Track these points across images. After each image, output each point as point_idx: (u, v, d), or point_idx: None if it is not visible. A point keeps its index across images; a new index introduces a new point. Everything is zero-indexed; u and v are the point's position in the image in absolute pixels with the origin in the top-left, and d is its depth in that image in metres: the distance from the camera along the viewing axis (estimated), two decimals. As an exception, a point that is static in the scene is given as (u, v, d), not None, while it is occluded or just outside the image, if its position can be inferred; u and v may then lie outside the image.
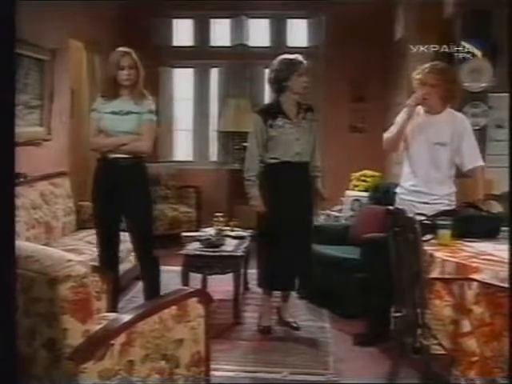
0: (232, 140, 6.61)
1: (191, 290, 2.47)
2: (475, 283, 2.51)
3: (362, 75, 6.52)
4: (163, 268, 3.75)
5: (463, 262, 2.59)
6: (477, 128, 4.29)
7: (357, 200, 4.92)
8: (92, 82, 5.70)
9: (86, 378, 1.87)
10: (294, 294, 4.08)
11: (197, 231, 4.60)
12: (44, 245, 3.25)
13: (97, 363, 1.89)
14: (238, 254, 3.98)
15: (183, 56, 6.88)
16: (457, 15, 4.68)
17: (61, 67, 5.04)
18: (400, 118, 3.42)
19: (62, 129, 5.23)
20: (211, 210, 4.71)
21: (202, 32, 6.90)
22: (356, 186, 5.15)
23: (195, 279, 4.03)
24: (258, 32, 6.86)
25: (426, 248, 2.73)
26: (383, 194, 4.31)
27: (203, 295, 2.41)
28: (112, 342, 1.94)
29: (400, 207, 3.16)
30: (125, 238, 3.71)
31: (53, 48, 4.80)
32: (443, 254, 2.70)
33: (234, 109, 6.48)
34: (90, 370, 1.87)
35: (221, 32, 6.92)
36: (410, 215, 2.85)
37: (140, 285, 3.82)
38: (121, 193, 3.47)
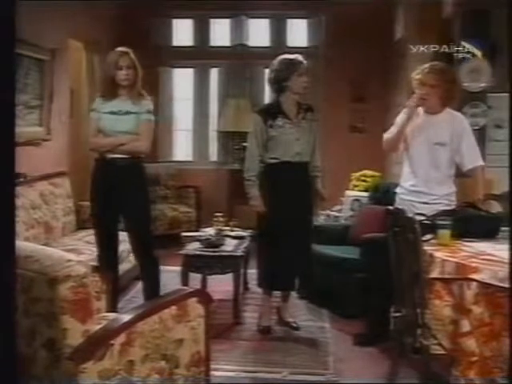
0: (232, 140, 6.61)
1: (191, 290, 2.47)
2: (474, 283, 2.51)
3: (362, 75, 6.53)
4: (163, 268, 3.75)
5: (463, 261, 2.59)
6: (476, 128, 4.29)
7: (357, 200, 4.92)
8: (91, 82, 5.71)
9: (86, 378, 1.86)
10: (293, 293, 4.07)
11: (196, 231, 4.60)
12: (43, 245, 3.25)
13: (97, 363, 1.89)
14: (238, 253, 3.98)
15: (183, 56, 6.89)
16: (456, 15, 4.68)
17: (60, 67, 5.04)
18: (400, 118, 3.43)
19: (62, 129, 5.23)
20: (211, 210, 4.71)
21: (202, 32, 6.91)
22: (356, 185, 5.15)
23: (195, 279, 4.03)
24: (258, 32, 6.86)
25: (425, 248, 2.73)
26: (383, 194, 4.32)
27: (203, 295, 2.41)
28: (112, 342, 1.94)
29: (400, 207, 3.17)
30: (124, 238, 3.71)
31: (52, 48, 4.81)
32: (443, 253, 2.70)
33: (234, 109, 6.48)
34: (90, 370, 1.87)
35: (221, 32, 6.92)
36: (410, 215, 2.85)
37: (140, 285, 3.82)
38: (119, 193, 3.47)
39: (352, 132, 6.70)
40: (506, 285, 2.31)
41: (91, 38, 5.64)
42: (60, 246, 4.04)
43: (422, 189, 3.36)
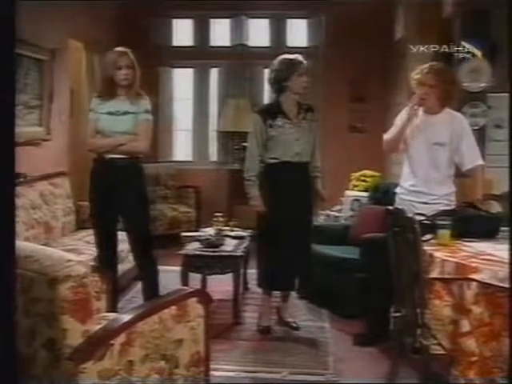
0: (232, 140, 6.61)
1: (191, 290, 2.47)
2: (474, 283, 2.51)
3: (362, 75, 6.52)
4: (163, 268, 3.75)
5: (462, 261, 2.60)
6: (476, 128, 4.30)
7: (356, 200, 4.92)
8: (91, 82, 5.70)
9: (86, 378, 1.86)
10: (293, 294, 4.07)
11: (196, 231, 4.60)
12: (43, 245, 3.24)
13: (96, 363, 1.89)
14: (238, 253, 3.98)
15: (183, 56, 6.88)
16: (456, 15, 4.68)
17: (60, 67, 5.04)
18: (400, 119, 3.43)
19: (62, 129, 5.23)
20: (211, 210, 4.71)
21: (202, 32, 6.90)
22: (356, 186, 5.15)
23: (195, 279, 4.03)
24: (258, 32, 6.86)
25: (425, 248, 2.73)
26: (383, 194, 4.31)
27: (203, 295, 2.41)
28: (112, 342, 1.94)
29: (399, 207, 3.17)
30: (124, 237, 3.70)
31: (52, 48, 4.80)
32: (443, 253, 2.70)
33: (234, 109, 6.48)
34: (90, 370, 1.87)
35: (221, 32, 6.92)
36: (410, 215, 2.85)
37: (140, 285, 3.82)
38: (118, 193, 3.47)
39: (352, 132, 6.70)
40: (506, 285, 2.31)
41: (91, 37, 5.64)
42: (60, 246, 4.04)
43: (421, 189, 3.36)
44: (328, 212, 5.05)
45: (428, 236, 2.84)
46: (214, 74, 6.95)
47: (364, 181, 5.12)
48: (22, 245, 2.12)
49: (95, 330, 1.97)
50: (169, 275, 3.93)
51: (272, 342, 3.64)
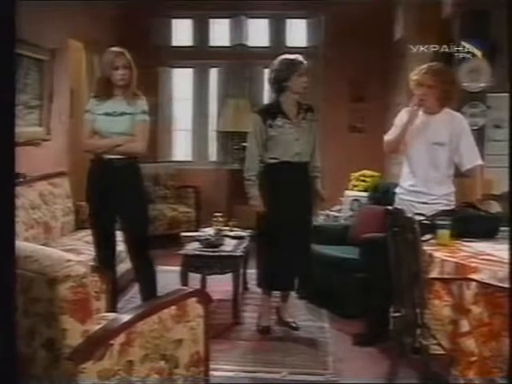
0: (231, 140, 6.61)
1: (190, 290, 2.48)
2: (474, 283, 2.51)
3: (362, 75, 6.53)
4: (162, 268, 3.76)
5: (462, 261, 2.60)
6: (475, 128, 4.30)
7: (356, 200, 4.92)
8: (91, 82, 5.68)
9: (86, 378, 1.87)
10: (293, 294, 4.08)
11: (196, 231, 4.60)
12: (43, 245, 3.25)
13: (96, 363, 1.89)
14: (237, 253, 3.98)
15: (182, 56, 6.88)
16: (456, 15, 4.68)
17: (60, 67, 5.04)
18: (400, 120, 3.42)
19: (62, 129, 5.23)
20: (210, 210, 4.70)
21: (202, 32, 6.90)
22: (355, 186, 5.15)
23: (194, 279, 4.03)
24: (258, 32, 6.86)
25: (425, 248, 2.73)
26: (382, 194, 4.32)
27: (202, 295, 2.41)
28: (111, 342, 1.94)
29: (399, 207, 3.17)
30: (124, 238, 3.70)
31: (52, 48, 4.80)
32: (442, 253, 2.70)
33: (234, 109, 6.48)
34: (90, 370, 1.87)
35: (220, 32, 6.91)
36: (409, 215, 2.86)
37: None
38: (115, 193, 3.47)
39: (351, 132, 6.70)
40: (506, 285, 2.31)
41: (91, 37, 5.64)
42: (59, 246, 4.04)
43: (421, 189, 3.36)
44: (328, 212, 5.05)
45: (427, 236, 2.84)
46: (213, 74, 6.95)
47: (364, 181, 5.12)
48: (22, 245, 2.12)
49: (95, 330, 1.97)
50: (168, 275, 3.93)
51: (271, 342, 3.64)
